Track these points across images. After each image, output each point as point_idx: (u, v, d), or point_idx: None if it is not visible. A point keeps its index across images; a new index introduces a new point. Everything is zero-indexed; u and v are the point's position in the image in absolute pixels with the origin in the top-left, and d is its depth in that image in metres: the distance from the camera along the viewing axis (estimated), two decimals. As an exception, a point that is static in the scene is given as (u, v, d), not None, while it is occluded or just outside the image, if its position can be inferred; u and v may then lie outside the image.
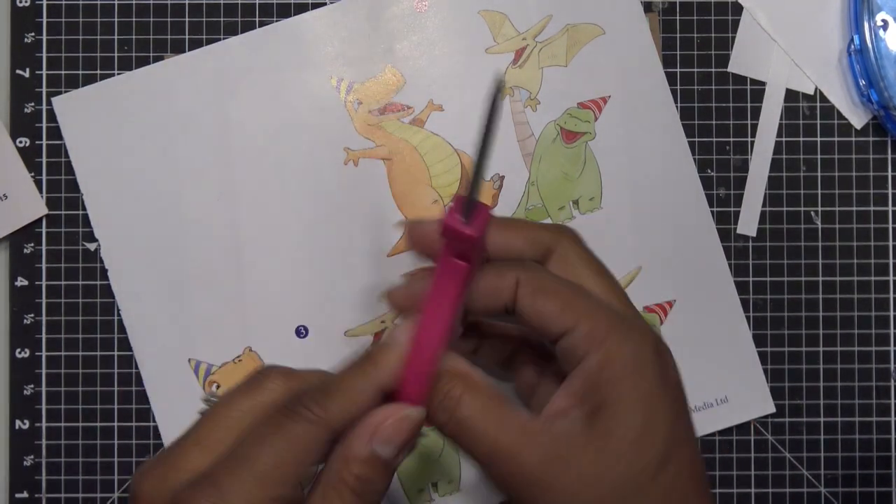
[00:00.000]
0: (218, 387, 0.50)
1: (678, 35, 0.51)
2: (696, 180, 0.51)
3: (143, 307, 0.50)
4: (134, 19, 0.51)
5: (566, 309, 0.38)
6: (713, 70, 0.51)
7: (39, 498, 0.51)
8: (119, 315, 0.50)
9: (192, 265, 0.50)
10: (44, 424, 0.51)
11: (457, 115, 0.51)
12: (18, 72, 0.51)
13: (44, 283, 0.50)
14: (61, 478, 0.51)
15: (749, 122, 0.51)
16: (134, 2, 0.51)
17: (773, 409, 0.51)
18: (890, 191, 0.51)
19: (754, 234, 0.51)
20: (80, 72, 0.51)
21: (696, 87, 0.51)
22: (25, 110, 0.51)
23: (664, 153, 0.51)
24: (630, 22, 0.51)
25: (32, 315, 0.51)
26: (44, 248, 0.51)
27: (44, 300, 0.51)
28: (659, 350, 0.38)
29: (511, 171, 0.51)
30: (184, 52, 0.51)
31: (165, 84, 0.50)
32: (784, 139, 0.51)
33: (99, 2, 0.51)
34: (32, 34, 0.51)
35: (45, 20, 0.51)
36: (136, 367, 0.50)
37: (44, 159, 0.51)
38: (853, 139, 0.51)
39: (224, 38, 0.51)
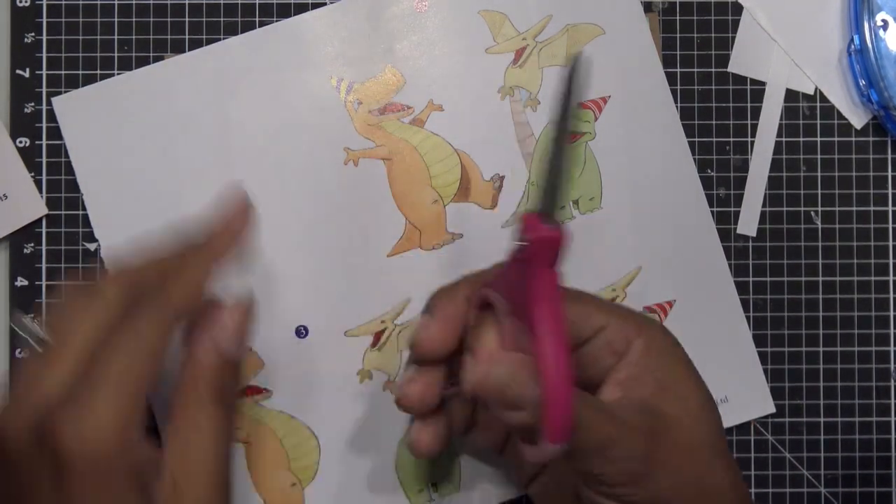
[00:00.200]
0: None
1: (678, 35, 0.51)
2: (696, 180, 0.51)
3: None
4: (134, 19, 0.51)
5: (597, 310, 0.41)
6: (713, 70, 0.51)
7: (39, 498, 0.51)
8: (119, 315, 0.50)
9: None
10: (44, 424, 0.51)
11: (457, 115, 0.51)
12: (18, 72, 0.51)
13: (44, 282, 0.50)
14: (61, 478, 0.51)
15: (749, 122, 0.51)
16: (134, 2, 0.51)
17: (773, 410, 0.51)
18: (890, 191, 0.51)
19: (754, 234, 0.51)
20: (80, 72, 0.51)
21: (696, 87, 0.51)
22: (25, 110, 0.51)
23: (664, 153, 0.51)
24: (630, 22, 0.51)
25: (32, 315, 0.51)
26: (44, 248, 0.51)
27: (44, 300, 0.51)
28: (675, 338, 0.43)
29: (511, 171, 0.51)
30: (184, 52, 0.51)
31: (165, 84, 0.50)
32: (784, 139, 0.51)
33: (99, 2, 0.51)
34: (32, 34, 0.51)
35: (45, 20, 0.51)
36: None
37: (44, 159, 0.51)
38: (853, 139, 0.51)
39: (224, 38, 0.51)
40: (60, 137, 0.50)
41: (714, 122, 0.51)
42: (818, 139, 0.51)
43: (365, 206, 0.50)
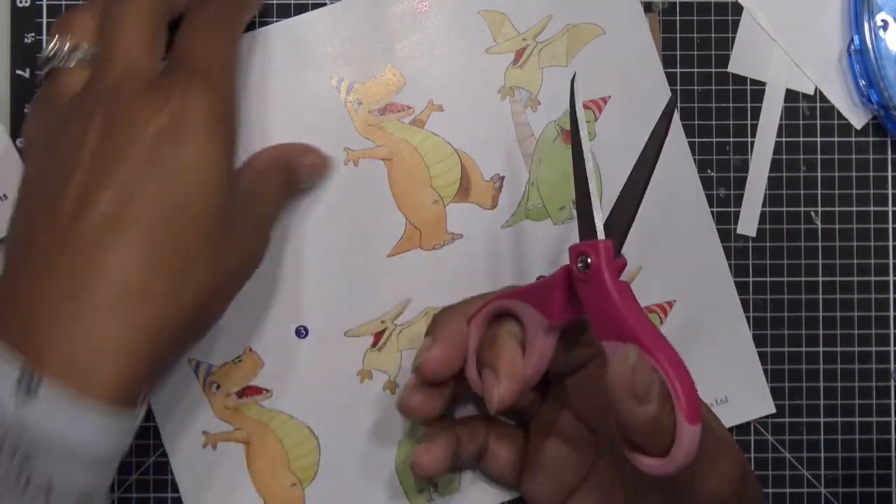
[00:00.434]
0: None
1: (678, 35, 0.51)
2: (696, 180, 0.51)
3: None
4: (134, 19, 0.51)
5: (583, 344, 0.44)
6: (713, 70, 0.51)
7: (40, 497, 0.51)
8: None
9: None
10: (44, 424, 0.51)
11: (457, 116, 0.50)
12: (18, 72, 0.51)
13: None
14: (61, 478, 0.51)
15: (749, 122, 0.51)
16: (134, 2, 0.51)
17: (773, 410, 0.51)
18: (890, 191, 0.51)
19: (754, 234, 0.51)
20: (80, 72, 0.51)
21: (696, 87, 0.51)
22: (25, 110, 0.51)
23: (664, 153, 0.51)
24: (630, 22, 0.51)
25: (32, 315, 0.51)
26: (44, 248, 0.51)
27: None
28: None
29: (511, 171, 0.51)
30: (184, 52, 0.51)
31: None
32: (784, 139, 0.51)
33: (99, 2, 0.51)
34: (32, 34, 0.51)
35: (45, 20, 0.51)
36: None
37: (44, 159, 0.51)
38: (853, 139, 0.51)
39: (224, 38, 0.51)
40: (60, 137, 0.50)
41: (714, 122, 0.51)
42: (818, 139, 0.51)
43: (365, 207, 0.50)
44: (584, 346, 0.44)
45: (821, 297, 0.51)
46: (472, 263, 0.50)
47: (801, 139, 0.51)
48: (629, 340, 0.38)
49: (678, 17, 0.51)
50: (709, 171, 0.51)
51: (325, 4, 0.51)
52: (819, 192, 0.51)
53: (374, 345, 0.50)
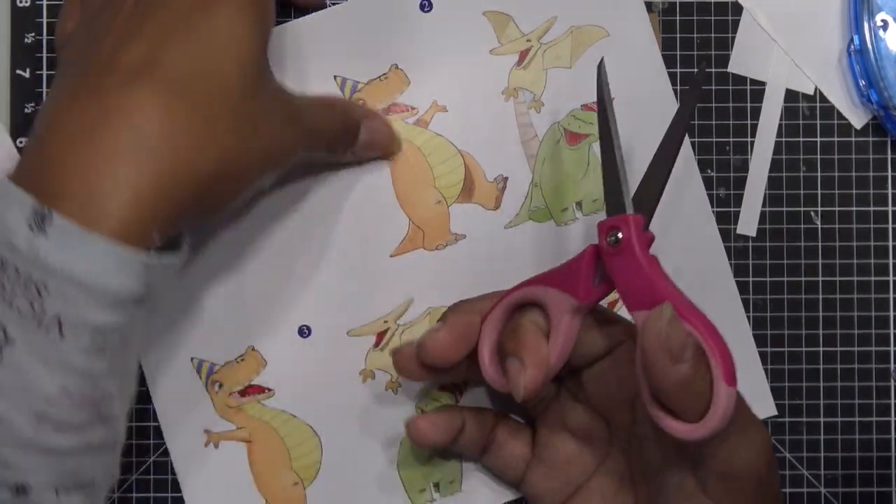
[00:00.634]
0: None
1: (678, 35, 0.51)
2: (699, 182, 0.51)
3: None
4: (134, 19, 0.51)
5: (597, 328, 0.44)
6: (713, 70, 0.51)
7: (39, 498, 0.50)
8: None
9: (195, 264, 0.50)
10: (43, 425, 0.51)
11: (461, 117, 0.51)
12: (18, 72, 0.51)
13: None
14: (61, 478, 0.51)
15: (749, 122, 0.51)
16: (134, 1, 0.51)
17: (774, 412, 0.51)
18: (890, 191, 0.52)
19: (754, 234, 0.51)
20: (80, 71, 0.51)
21: (696, 88, 0.51)
22: (25, 110, 0.50)
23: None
24: (635, 24, 0.51)
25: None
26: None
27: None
28: None
29: (514, 172, 0.51)
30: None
31: None
32: (784, 139, 0.51)
33: (99, 1, 0.51)
34: (32, 34, 0.51)
35: (45, 20, 0.51)
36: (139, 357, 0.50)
37: (44, 159, 0.50)
38: (853, 139, 0.52)
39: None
40: (60, 137, 0.50)
41: (714, 122, 0.51)
42: (818, 139, 0.51)
43: (368, 207, 0.50)
44: (604, 337, 0.44)
45: (821, 297, 0.51)
46: (476, 264, 0.50)
47: (801, 139, 0.51)
48: None
49: (678, 17, 0.51)
50: (709, 171, 0.51)
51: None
52: (819, 192, 0.51)
53: (377, 345, 0.50)
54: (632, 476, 0.45)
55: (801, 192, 0.51)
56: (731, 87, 0.52)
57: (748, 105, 0.51)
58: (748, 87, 0.52)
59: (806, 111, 0.52)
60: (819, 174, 0.51)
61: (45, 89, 0.50)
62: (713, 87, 0.51)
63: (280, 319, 0.50)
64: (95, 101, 0.38)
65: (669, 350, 0.37)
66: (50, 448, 0.37)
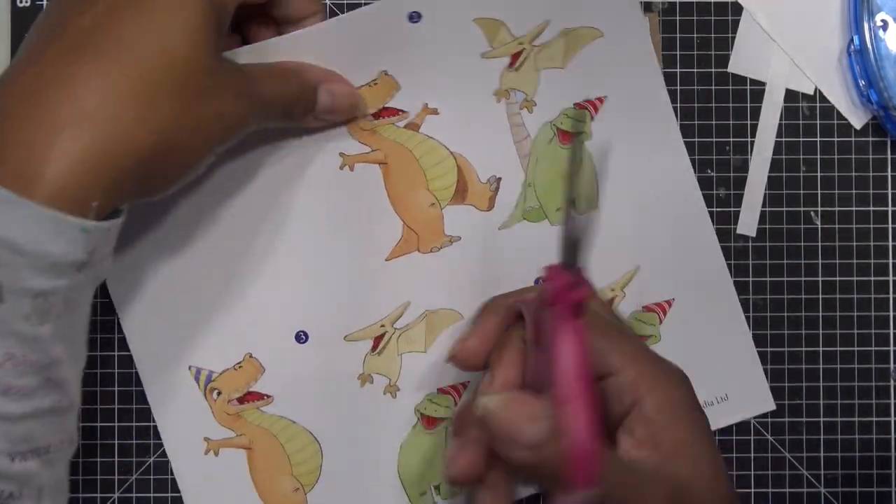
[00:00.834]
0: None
1: (678, 35, 0.51)
2: (693, 179, 0.51)
3: (142, 315, 0.50)
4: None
5: (614, 353, 0.42)
6: (713, 70, 0.51)
7: (41, 498, 0.51)
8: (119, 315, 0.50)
9: (191, 272, 0.50)
10: (45, 425, 0.51)
11: (452, 119, 0.50)
12: (18, 74, 0.51)
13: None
14: (63, 478, 0.51)
15: (749, 122, 0.51)
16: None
17: (773, 407, 0.51)
18: (890, 191, 0.51)
19: (754, 235, 0.51)
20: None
21: (696, 87, 0.51)
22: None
23: (661, 153, 0.51)
24: (629, 23, 0.51)
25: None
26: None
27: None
28: (690, 386, 0.43)
29: (507, 172, 0.51)
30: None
31: None
32: (784, 139, 0.51)
33: (98, 4, 0.51)
34: (32, 36, 0.51)
35: (44, 22, 0.51)
36: (137, 367, 0.50)
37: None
38: (853, 139, 0.51)
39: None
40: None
41: (714, 122, 0.51)
42: (818, 139, 0.51)
43: (362, 211, 0.50)
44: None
45: (821, 297, 0.51)
46: (471, 265, 0.50)
47: (801, 139, 0.51)
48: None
49: (678, 17, 0.51)
50: (709, 171, 0.51)
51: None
52: (819, 192, 0.51)
53: (374, 349, 0.50)
54: None
55: (801, 192, 0.51)
56: (731, 87, 0.51)
57: (748, 105, 0.51)
58: (748, 87, 0.51)
59: (806, 111, 0.51)
60: (819, 174, 0.51)
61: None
62: (713, 87, 0.51)
63: (277, 326, 0.50)
64: (37, 68, 0.38)
65: (503, 437, 0.38)
66: None
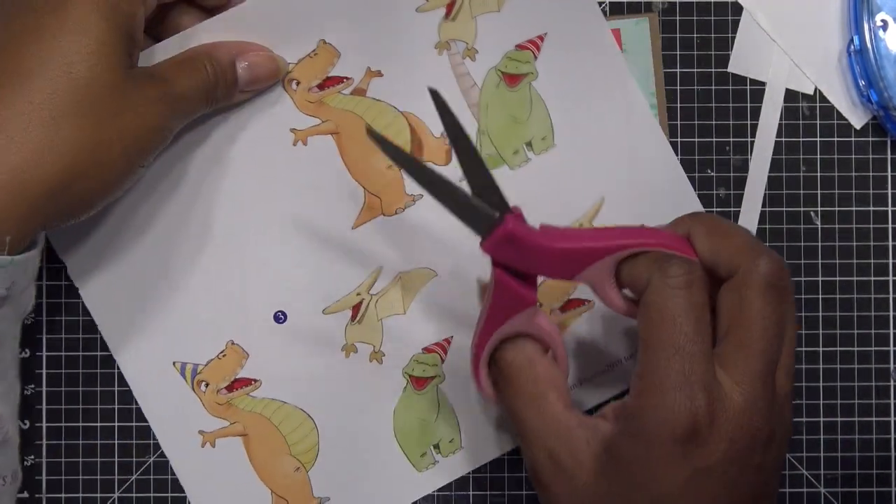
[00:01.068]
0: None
1: (678, 35, 0.51)
2: (645, 104, 0.51)
3: (118, 318, 0.50)
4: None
5: (736, 252, 0.41)
6: (713, 70, 0.51)
7: (40, 498, 0.51)
8: (118, 316, 0.50)
9: (160, 269, 0.50)
10: (44, 424, 0.51)
11: (397, 78, 0.50)
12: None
13: (44, 283, 0.50)
14: (61, 478, 0.51)
15: (749, 122, 0.51)
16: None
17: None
18: (890, 191, 0.51)
19: (754, 235, 0.51)
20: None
21: (695, 87, 0.51)
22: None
23: (609, 84, 0.50)
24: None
25: (33, 315, 0.51)
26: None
27: (44, 300, 0.51)
28: None
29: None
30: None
31: None
32: (784, 139, 0.51)
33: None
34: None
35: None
36: (121, 370, 0.51)
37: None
38: (853, 139, 0.51)
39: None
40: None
41: (714, 122, 0.51)
42: (818, 139, 0.51)
43: (321, 183, 0.50)
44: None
45: (820, 297, 0.51)
46: (437, 221, 0.50)
47: (801, 139, 0.51)
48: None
49: (678, 17, 0.51)
50: (709, 171, 0.51)
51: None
52: (819, 192, 0.51)
53: (354, 318, 0.50)
54: None
55: (801, 192, 0.51)
56: (731, 87, 0.51)
57: (748, 105, 0.51)
58: (748, 87, 0.52)
59: (806, 111, 0.52)
60: (819, 174, 0.51)
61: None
62: (713, 87, 0.51)
63: (254, 309, 0.50)
64: None
65: None
66: None
